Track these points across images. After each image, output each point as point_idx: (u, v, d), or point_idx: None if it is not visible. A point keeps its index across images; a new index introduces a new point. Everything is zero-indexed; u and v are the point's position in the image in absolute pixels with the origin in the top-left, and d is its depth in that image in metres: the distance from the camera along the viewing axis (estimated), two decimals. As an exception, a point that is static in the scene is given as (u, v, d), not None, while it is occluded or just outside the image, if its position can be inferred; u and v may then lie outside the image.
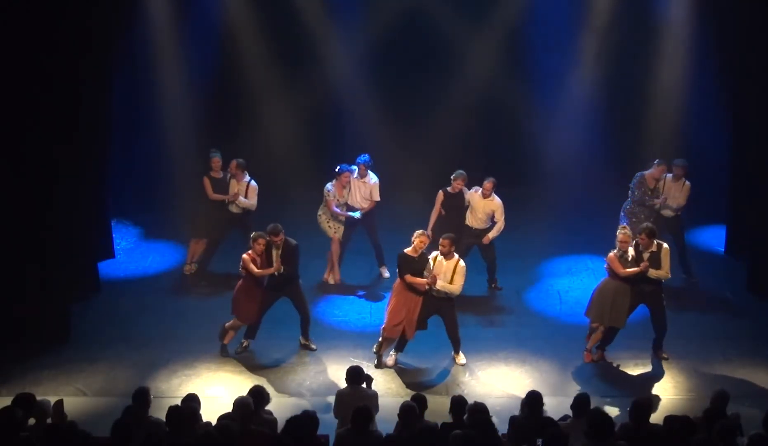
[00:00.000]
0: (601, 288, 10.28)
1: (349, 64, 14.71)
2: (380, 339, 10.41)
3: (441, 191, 12.04)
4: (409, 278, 10.09)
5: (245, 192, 12.23)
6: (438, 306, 10.25)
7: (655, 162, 12.15)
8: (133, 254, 13.32)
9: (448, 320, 10.31)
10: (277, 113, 14.93)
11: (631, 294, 10.16)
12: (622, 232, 10.20)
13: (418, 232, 10.20)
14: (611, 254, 10.19)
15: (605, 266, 10.31)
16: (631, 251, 10.15)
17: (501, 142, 14.96)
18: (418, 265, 10.13)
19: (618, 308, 10.14)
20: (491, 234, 11.88)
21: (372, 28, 14.47)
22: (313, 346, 10.69)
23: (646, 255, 10.12)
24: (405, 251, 10.18)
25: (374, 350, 10.43)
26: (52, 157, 10.47)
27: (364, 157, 12.21)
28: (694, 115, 13.92)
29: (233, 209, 12.29)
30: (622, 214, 12.26)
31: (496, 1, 14.29)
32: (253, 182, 12.30)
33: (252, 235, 10.38)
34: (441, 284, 10.06)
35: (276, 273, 10.29)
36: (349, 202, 12.20)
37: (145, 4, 13.09)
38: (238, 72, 14.67)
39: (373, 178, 12.27)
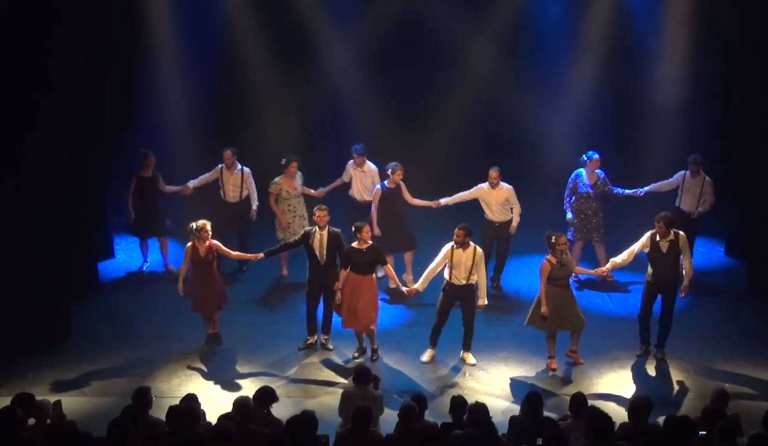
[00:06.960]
0: None
1: (349, 64, 14.70)
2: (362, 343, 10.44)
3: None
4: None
5: (243, 182, 12.18)
6: (460, 294, 10.23)
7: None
8: (133, 254, 13.32)
9: (467, 306, 10.29)
10: (276, 111, 14.90)
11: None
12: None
13: (359, 224, 10.17)
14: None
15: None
16: (642, 241, 10.15)
17: (501, 142, 14.94)
18: (367, 256, 10.13)
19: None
20: (515, 222, 11.81)
21: (372, 27, 14.45)
22: (330, 346, 10.64)
23: (664, 244, 10.07)
24: (352, 245, 10.13)
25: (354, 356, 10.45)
26: (52, 157, 10.47)
27: (356, 146, 12.11)
28: (694, 115, 13.90)
29: (230, 200, 12.26)
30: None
31: (497, 1, 14.29)
32: (246, 168, 12.30)
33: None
34: (484, 295, 10.17)
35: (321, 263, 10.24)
36: (350, 193, 12.13)
37: (144, 3, 13.08)
38: (238, 71, 14.66)
39: (372, 166, 12.18)
